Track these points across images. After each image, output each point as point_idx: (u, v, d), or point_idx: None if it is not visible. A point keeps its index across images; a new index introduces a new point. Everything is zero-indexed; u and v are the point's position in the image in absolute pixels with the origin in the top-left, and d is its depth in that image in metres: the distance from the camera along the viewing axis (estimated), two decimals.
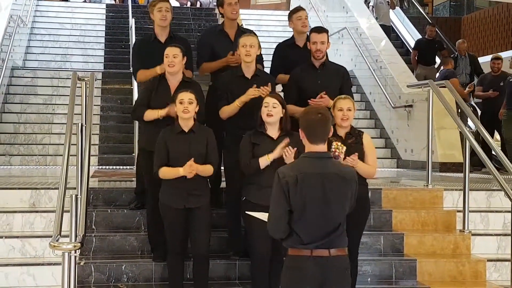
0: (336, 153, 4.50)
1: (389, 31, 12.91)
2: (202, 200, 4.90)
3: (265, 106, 4.80)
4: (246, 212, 4.50)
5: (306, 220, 3.47)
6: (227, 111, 5.24)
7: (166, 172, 4.84)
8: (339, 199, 3.51)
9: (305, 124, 3.58)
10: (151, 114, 5.21)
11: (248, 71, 5.33)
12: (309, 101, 5.20)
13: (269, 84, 5.16)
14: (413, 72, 11.29)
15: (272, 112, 4.78)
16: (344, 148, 4.58)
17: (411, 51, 12.78)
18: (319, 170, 3.50)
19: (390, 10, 13.46)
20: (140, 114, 5.28)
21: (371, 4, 13.60)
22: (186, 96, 4.85)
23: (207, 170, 4.86)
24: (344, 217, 3.56)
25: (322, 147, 3.57)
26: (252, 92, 5.10)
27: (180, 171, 4.77)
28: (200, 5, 16.67)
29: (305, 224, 3.47)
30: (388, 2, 13.27)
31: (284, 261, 3.60)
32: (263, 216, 3.77)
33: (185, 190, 4.82)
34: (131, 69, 6.31)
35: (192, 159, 4.74)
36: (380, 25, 12.14)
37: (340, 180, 3.52)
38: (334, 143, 4.55)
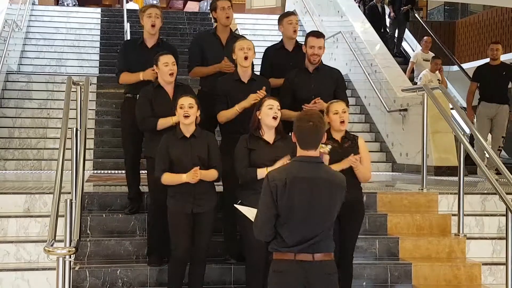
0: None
1: None
2: (209, 204, 4.89)
3: (270, 109, 4.72)
4: (234, 205, 4.40)
5: (292, 223, 3.46)
6: (226, 115, 5.21)
7: (169, 178, 4.83)
8: (326, 204, 3.49)
9: (297, 131, 3.58)
10: (165, 122, 5.11)
11: (245, 75, 5.31)
12: (303, 106, 5.19)
13: (264, 88, 5.12)
14: None
15: (277, 114, 4.75)
16: (328, 147, 4.28)
17: None
18: (309, 175, 3.49)
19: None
20: (152, 124, 5.16)
21: (416, 73, 11.94)
22: (186, 101, 4.84)
23: (210, 175, 4.86)
24: (332, 222, 3.55)
25: (313, 153, 3.56)
26: (254, 97, 5.04)
27: (183, 177, 4.76)
28: (198, 9, 16.63)
29: (290, 227, 3.47)
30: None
31: (270, 266, 3.59)
32: (250, 213, 3.75)
33: (193, 195, 4.80)
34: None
35: (198, 167, 4.71)
36: None
37: (329, 186, 3.51)
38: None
